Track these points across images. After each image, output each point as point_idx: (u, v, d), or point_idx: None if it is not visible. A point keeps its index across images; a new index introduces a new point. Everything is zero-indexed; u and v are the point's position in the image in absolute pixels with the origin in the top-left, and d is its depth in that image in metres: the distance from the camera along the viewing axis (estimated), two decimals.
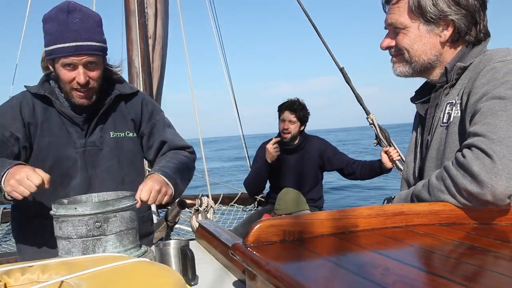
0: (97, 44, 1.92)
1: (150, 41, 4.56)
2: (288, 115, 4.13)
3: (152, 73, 4.62)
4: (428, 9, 1.45)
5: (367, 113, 4.15)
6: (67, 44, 1.84)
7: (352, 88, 4.26)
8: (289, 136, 4.14)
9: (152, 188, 1.77)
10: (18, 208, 2.07)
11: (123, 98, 2.14)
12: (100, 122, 2.07)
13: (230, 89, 6.27)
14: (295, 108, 4.13)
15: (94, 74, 1.93)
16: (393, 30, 1.56)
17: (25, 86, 2.07)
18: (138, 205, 1.67)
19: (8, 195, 1.69)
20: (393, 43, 1.57)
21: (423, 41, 1.51)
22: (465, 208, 1.27)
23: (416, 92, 1.67)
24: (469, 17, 1.45)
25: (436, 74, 1.56)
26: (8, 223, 5.13)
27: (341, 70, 4.33)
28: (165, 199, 1.82)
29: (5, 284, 1.09)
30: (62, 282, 1.05)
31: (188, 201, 4.86)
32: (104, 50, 1.98)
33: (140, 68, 4.40)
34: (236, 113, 6.40)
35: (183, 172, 2.01)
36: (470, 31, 1.48)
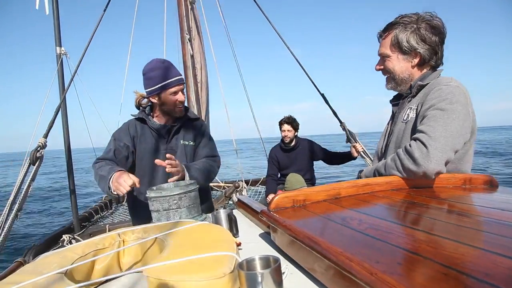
0: (183, 77, 2.06)
1: (199, 85, 4.59)
2: (286, 126, 4.15)
3: (201, 105, 4.66)
4: (404, 44, 1.46)
5: (340, 122, 4.11)
6: (173, 79, 1.98)
7: (330, 107, 4.19)
8: (288, 140, 4.16)
9: (177, 163, 1.80)
10: (131, 194, 2.10)
11: (189, 120, 2.20)
12: (175, 134, 2.12)
13: (251, 111, 6.13)
14: (290, 121, 4.15)
15: (185, 96, 2.06)
16: (382, 57, 1.56)
17: (131, 115, 2.16)
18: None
19: (113, 192, 1.70)
20: (382, 66, 1.57)
21: (400, 64, 1.51)
22: (407, 179, 1.28)
23: (393, 97, 1.67)
24: (431, 50, 1.45)
25: (407, 88, 1.55)
26: (120, 203, 5.16)
27: (322, 95, 4.27)
28: (175, 177, 1.79)
29: (123, 240, 1.12)
30: (156, 238, 1.07)
31: (230, 184, 4.91)
32: None
33: (194, 101, 4.45)
34: (255, 123, 6.24)
35: (202, 172, 2.00)
36: (432, 59, 1.48)
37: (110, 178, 1.71)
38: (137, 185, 1.64)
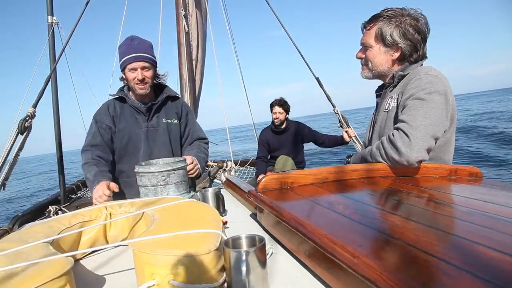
0: (148, 55, 1.99)
1: (194, 62, 4.51)
2: (277, 108, 4.13)
3: (195, 83, 4.60)
4: (387, 37, 1.46)
5: (334, 106, 4.09)
6: (130, 55, 1.95)
7: (324, 90, 4.17)
8: (279, 122, 4.15)
9: (193, 160, 1.91)
10: (113, 171, 2.07)
11: (170, 98, 2.18)
12: (156, 112, 2.10)
13: (246, 97, 6.02)
14: (282, 104, 4.14)
15: (147, 74, 1.99)
16: (364, 47, 1.56)
17: (110, 95, 2.14)
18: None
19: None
20: (363, 55, 1.57)
21: (381, 57, 1.51)
22: (392, 167, 1.30)
23: (378, 87, 1.67)
24: (412, 46, 1.46)
25: (387, 79, 1.55)
26: None
27: (317, 79, 4.23)
28: (196, 172, 1.94)
29: (110, 213, 1.11)
30: (143, 213, 1.07)
31: (219, 164, 4.91)
32: (153, 61, 2.03)
33: (187, 79, 4.39)
34: (249, 109, 6.16)
35: (204, 159, 2.10)
36: (412, 55, 1.48)
37: (94, 186, 1.71)
38: (116, 189, 1.66)
